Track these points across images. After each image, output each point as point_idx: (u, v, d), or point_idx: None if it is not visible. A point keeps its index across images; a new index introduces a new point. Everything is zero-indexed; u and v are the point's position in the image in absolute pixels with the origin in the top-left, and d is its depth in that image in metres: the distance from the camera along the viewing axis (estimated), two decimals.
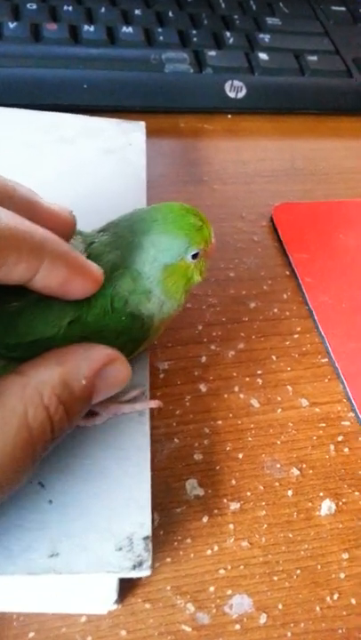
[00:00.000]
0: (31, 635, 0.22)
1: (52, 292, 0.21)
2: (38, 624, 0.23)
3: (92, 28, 0.48)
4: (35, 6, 0.49)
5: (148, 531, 0.23)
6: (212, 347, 0.33)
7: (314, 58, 0.51)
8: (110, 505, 0.23)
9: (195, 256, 0.25)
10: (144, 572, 0.22)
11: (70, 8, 0.49)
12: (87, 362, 0.21)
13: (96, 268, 0.22)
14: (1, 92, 0.43)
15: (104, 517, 0.23)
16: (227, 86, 0.47)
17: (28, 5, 0.48)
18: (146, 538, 0.22)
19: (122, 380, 0.22)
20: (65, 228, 0.23)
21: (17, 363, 0.22)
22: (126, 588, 0.24)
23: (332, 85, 0.50)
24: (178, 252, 0.24)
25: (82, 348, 0.22)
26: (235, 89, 0.47)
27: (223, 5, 0.54)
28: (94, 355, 0.21)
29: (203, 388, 0.31)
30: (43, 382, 0.20)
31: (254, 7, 0.54)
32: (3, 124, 0.38)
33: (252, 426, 0.30)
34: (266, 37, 0.51)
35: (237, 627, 0.24)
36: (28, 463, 0.19)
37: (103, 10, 0.50)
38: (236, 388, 0.31)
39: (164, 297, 0.25)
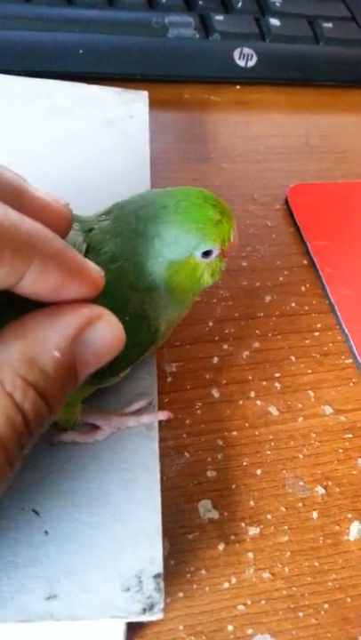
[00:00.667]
0: None
1: (42, 299, 0.17)
2: None
3: None
4: None
5: (159, 567, 0.20)
6: (225, 346, 0.29)
7: (329, 25, 0.47)
8: (115, 537, 0.20)
9: (207, 254, 0.21)
10: (156, 616, 0.19)
11: None
12: (57, 328, 0.16)
13: (96, 270, 0.18)
14: None
15: (108, 552, 0.20)
16: (236, 54, 0.43)
17: None
18: (157, 576, 0.19)
19: (112, 342, 0.17)
20: (59, 222, 0.18)
21: None
22: (133, 628, 0.21)
23: (350, 55, 0.46)
24: (186, 247, 0.21)
25: (44, 312, 0.16)
26: (244, 57, 0.43)
27: None
28: (65, 318, 0.16)
29: (215, 393, 0.27)
30: (1, 363, 0.15)
31: None
32: None
33: (270, 437, 0.26)
34: (277, 1, 0.47)
35: None
36: (4, 470, 0.15)
37: None
38: (253, 394, 0.28)
39: (168, 297, 0.21)
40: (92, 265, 0.17)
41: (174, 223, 0.20)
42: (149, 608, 0.19)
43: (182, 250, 0.20)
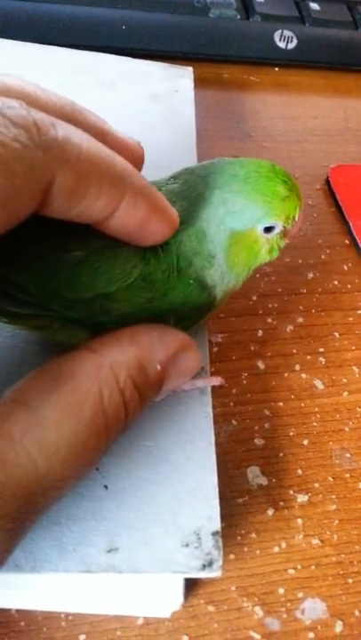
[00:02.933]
0: (82, 637, 0.20)
1: (128, 234, 0.18)
2: (90, 625, 0.20)
3: None
4: None
5: (217, 525, 0.20)
6: (269, 320, 0.29)
7: None
8: (173, 494, 0.20)
9: (269, 230, 0.21)
10: (215, 573, 0.19)
11: None
12: (163, 345, 0.18)
13: (173, 210, 0.19)
14: (32, 30, 0.39)
15: (167, 508, 0.20)
16: (276, 36, 0.43)
17: None
18: (215, 533, 0.19)
19: (192, 369, 0.20)
20: (136, 160, 0.19)
21: (76, 326, 0.19)
22: (186, 586, 0.21)
23: None
24: (250, 219, 0.20)
25: (156, 329, 0.19)
26: (285, 39, 0.43)
27: None
28: (169, 338, 0.19)
29: (260, 364, 0.28)
30: (118, 363, 0.17)
31: None
32: (35, 62, 0.34)
33: (316, 409, 0.27)
34: None
35: (311, 635, 0.21)
36: (100, 452, 0.16)
37: None
38: (297, 367, 0.28)
39: (226, 268, 0.21)
40: (169, 204, 0.18)
41: (241, 192, 0.20)
42: (208, 565, 0.19)
43: (246, 220, 0.20)
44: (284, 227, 0.21)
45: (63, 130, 0.14)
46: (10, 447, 0.14)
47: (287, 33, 0.43)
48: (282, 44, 0.43)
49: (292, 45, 0.43)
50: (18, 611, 0.20)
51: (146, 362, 0.17)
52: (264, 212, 0.20)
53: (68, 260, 0.18)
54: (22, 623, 0.20)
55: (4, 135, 0.13)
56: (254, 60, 0.43)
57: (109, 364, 0.16)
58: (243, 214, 0.20)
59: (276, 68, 0.44)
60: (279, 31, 0.43)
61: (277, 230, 0.21)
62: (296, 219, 0.21)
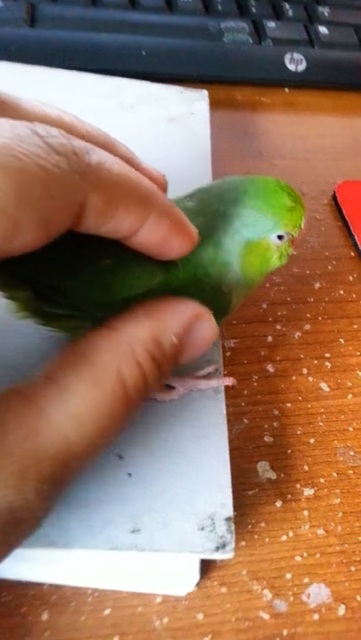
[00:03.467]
0: (107, 612, 0.22)
1: (151, 249, 0.20)
2: (113, 601, 0.22)
3: None
4: None
5: (229, 511, 0.22)
6: (278, 326, 0.31)
7: None
8: (190, 483, 0.22)
9: (280, 238, 0.23)
10: (227, 555, 0.21)
11: None
12: (177, 317, 0.19)
13: (193, 228, 0.21)
14: (60, 55, 0.41)
15: (184, 495, 0.22)
16: (286, 59, 0.46)
17: None
18: (228, 519, 0.21)
19: (209, 339, 0.21)
20: (160, 188, 0.21)
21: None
22: (201, 570, 0.23)
23: None
24: (262, 229, 0.23)
25: (170, 302, 0.20)
26: (295, 62, 0.46)
27: None
28: (184, 309, 0.20)
29: (270, 368, 0.30)
30: (135, 337, 0.18)
31: None
32: (63, 87, 0.37)
33: (322, 410, 0.28)
34: (325, 11, 0.49)
35: (316, 617, 0.23)
36: (123, 422, 0.18)
37: None
38: (305, 371, 0.30)
39: (241, 274, 0.23)
40: (190, 223, 0.20)
41: (253, 207, 0.23)
42: (222, 546, 0.21)
43: (259, 231, 0.23)
44: (292, 234, 0.23)
45: (97, 156, 0.17)
46: (40, 417, 0.16)
47: (297, 56, 0.46)
48: (292, 67, 0.46)
49: (301, 68, 0.46)
50: (50, 585, 0.22)
51: (161, 335, 0.19)
52: (274, 222, 0.23)
53: (99, 267, 0.21)
54: (54, 597, 0.22)
55: (47, 161, 0.15)
56: (266, 82, 0.46)
57: (127, 340, 0.18)
58: (255, 226, 0.23)
59: (287, 90, 0.46)
60: (289, 54, 0.46)
61: (286, 238, 0.23)
62: (302, 226, 0.24)
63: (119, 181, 0.17)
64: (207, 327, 0.20)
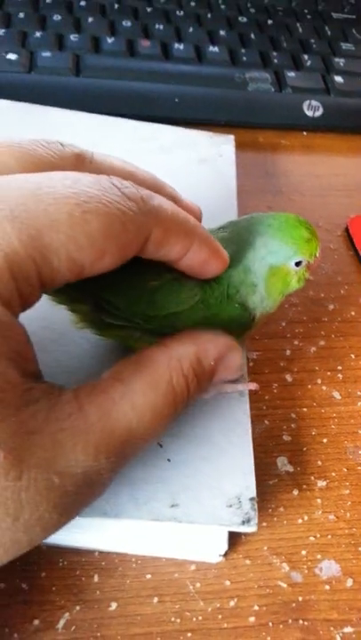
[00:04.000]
0: (148, 577, 0.26)
1: (193, 270, 0.24)
2: (154, 568, 0.26)
3: (181, 46, 0.52)
4: (129, 23, 0.53)
5: (253, 492, 0.26)
6: (296, 342, 0.36)
7: None
8: (219, 468, 0.26)
9: (298, 264, 0.28)
10: (252, 528, 0.25)
11: (161, 27, 0.53)
12: (215, 345, 0.25)
13: (226, 253, 0.25)
14: (102, 102, 0.47)
15: (215, 478, 0.26)
16: (305, 105, 0.51)
17: (124, 23, 0.53)
18: (252, 499, 0.25)
19: (237, 367, 0.26)
20: (197, 219, 0.26)
21: (150, 335, 0.26)
22: (229, 544, 0.26)
23: None
24: (284, 256, 0.27)
25: (211, 333, 0.25)
26: (312, 108, 0.51)
27: (300, 30, 0.57)
28: (221, 341, 0.25)
29: (288, 378, 0.34)
30: (183, 356, 0.23)
31: (329, 32, 0.58)
32: (107, 132, 0.42)
33: (334, 415, 0.32)
34: (341, 61, 0.55)
35: (327, 587, 0.26)
36: (170, 419, 0.22)
37: (191, 30, 0.54)
38: (319, 381, 0.34)
39: (265, 294, 0.28)
40: (223, 249, 0.25)
41: (276, 237, 0.27)
42: (247, 521, 0.25)
43: (281, 258, 0.27)
44: (308, 261, 0.28)
45: (158, 200, 0.21)
46: (112, 406, 0.20)
47: (314, 103, 0.51)
48: (310, 113, 0.51)
49: (318, 113, 0.51)
50: (100, 553, 0.26)
51: (202, 357, 0.24)
52: (293, 251, 0.27)
53: (148, 286, 0.25)
54: (103, 563, 0.26)
55: (123, 206, 0.20)
56: (286, 126, 0.51)
57: (177, 357, 0.23)
58: (278, 253, 0.27)
59: (305, 133, 0.51)
60: (308, 101, 0.51)
61: (304, 264, 0.28)
62: (317, 255, 0.28)
63: (172, 218, 0.22)
64: (236, 357, 0.25)
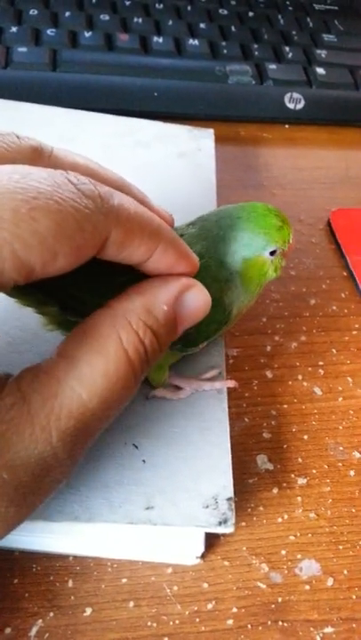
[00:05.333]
0: (124, 581, 0.25)
1: (160, 274, 0.23)
2: (130, 571, 0.25)
3: (160, 40, 0.51)
4: (107, 17, 0.52)
5: (230, 492, 0.25)
6: (276, 338, 0.35)
7: None
8: (196, 468, 0.26)
9: (272, 253, 0.27)
10: (228, 529, 0.24)
11: (140, 20, 0.52)
12: (165, 289, 0.22)
13: (195, 256, 0.24)
14: (79, 97, 0.46)
15: (191, 479, 0.25)
16: (286, 98, 0.50)
17: (101, 16, 0.52)
18: (229, 499, 0.25)
19: (202, 306, 0.23)
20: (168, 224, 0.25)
21: None
22: (206, 545, 0.26)
23: None
24: (257, 247, 0.27)
25: (159, 279, 0.23)
26: (294, 100, 0.50)
27: (282, 22, 0.57)
28: (171, 283, 0.22)
29: (269, 374, 0.33)
30: (128, 311, 0.21)
31: (311, 24, 0.57)
32: (85, 127, 0.41)
33: (315, 411, 0.32)
34: (322, 53, 0.54)
35: (307, 587, 0.26)
36: (132, 381, 0.21)
37: (170, 23, 0.53)
38: (300, 377, 0.33)
39: (241, 288, 0.27)
40: (192, 253, 0.24)
41: (247, 229, 0.27)
42: (223, 522, 0.24)
43: (254, 249, 0.27)
44: (283, 249, 0.27)
45: (118, 198, 0.21)
46: (57, 385, 0.19)
47: (296, 95, 0.50)
48: (291, 105, 0.50)
49: (300, 106, 0.50)
50: (74, 557, 0.25)
51: (151, 305, 0.21)
52: (266, 240, 0.27)
53: (115, 283, 0.24)
54: (78, 567, 0.25)
55: (79, 204, 0.19)
56: (267, 119, 0.50)
57: (122, 313, 0.21)
58: (251, 245, 0.27)
59: (286, 126, 0.50)
60: (289, 94, 0.50)
61: (278, 252, 0.27)
62: (290, 241, 0.27)
63: (135, 219, 0.21)
64: (198, 295, 0.23)
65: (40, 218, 0.17)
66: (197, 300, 0.23)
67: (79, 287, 0.24)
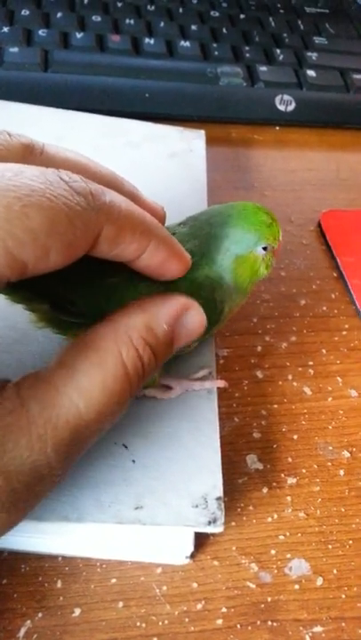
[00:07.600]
0: (113, 581, 0.25)
1: (151, 271, 0.23)
2: (119, 572, 0.25)
3: (152, 41, 0.51)
4: (99, 18, 0.52)
5: (220, 492, 0.25)
6: (267, 338, 0.35)
7: (358, 76, 0.54)
8: (186, 468, 0.26)
9: (264, 250, 0.27)
10: (218, 529, 0.24)
11: (132, 21, 0.53)
12: (166, 308, 0.23)
13: (187, 254, 0.25)
14: (71, 98, 0.46)
15: (181, 478, 0.25)
16: (277, 100, 0.50)
17: (93, 17, 0.52)
18: (219, 498, 0.25)
19: (198, 326, 0.24)
20: (159, 220, 0.25)
21: None
22: (196, 545, 0.26)
23: None
24: (248, 244, 0.27)
25: (160, 297, 0.23)
26: (284, 102, 0.50)
27: (273, 24, 0.57)
28: (172, 302, 0.23)
29: (259, 374, 0.33)
30: (130, 327, 0.22)
31: (302, 26, 0.57)
32: (76, 128, 0.41)
33: (305, 411, 0.32)
34: (313, 55, 0.54)
35: (297, 587, 0.26)
36: (127, 395, 0.21)
37: (162, 24, 0.53)
38: (290, 377, 0.33)
39: (233, 285, 0.27)
40: (184, 250, 0.24)
41: (238, 226, 0.27)
42: (213, 521, 0.24)
43: (246, 246, 0.27)
44: (273, 246, 0.27)
45: (109, 196, 0.21)
46: (55, 395, 0.19)
47: (287, 97, 0.51)
48: (282, 107, 0.50)
49: (290, 108, 0.50)
50: (63, 558, 0.25)
51: (153, 323, 0.22)
52: (257, 237, 0.27)
53: (106, 283, 0.24)
54: (67, 568, 0.25)
55: (70, 201, 0.19)
56: (258, 121, 0.50)
57: (124, 329, 0.21)
58: (242, 242, 0.27)
59: (277, 128, 0.51)
60: (280, 96, 0.50)
61: (269, 249, 0.27)
62: (280, 239, 0.28)
63: (126, 216, 0.21)
64: (195, 316, 0.24)
65: (33, 215, 0.17)
66: (195, 320, 0.24)
67: (69, 287, 0.24)
